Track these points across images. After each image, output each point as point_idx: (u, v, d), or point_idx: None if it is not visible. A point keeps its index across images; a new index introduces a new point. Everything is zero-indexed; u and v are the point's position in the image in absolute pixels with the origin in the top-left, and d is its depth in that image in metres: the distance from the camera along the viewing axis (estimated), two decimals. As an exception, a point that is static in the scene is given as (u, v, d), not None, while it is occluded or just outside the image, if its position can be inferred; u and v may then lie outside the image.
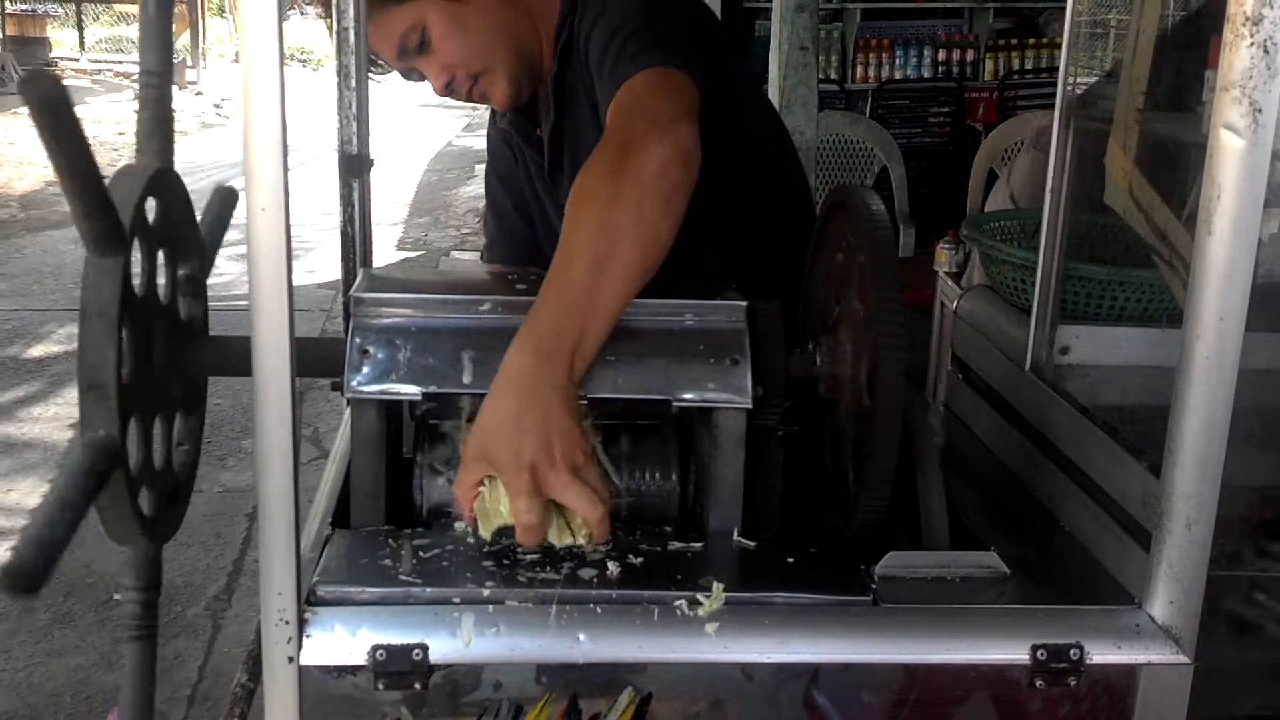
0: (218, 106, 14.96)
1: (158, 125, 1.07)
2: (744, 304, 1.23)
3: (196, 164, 10.10)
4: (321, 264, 6.25)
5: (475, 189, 9.68)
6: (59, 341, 5.68)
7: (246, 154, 0.91)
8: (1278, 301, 1.21)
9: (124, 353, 0.98)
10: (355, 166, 1.69)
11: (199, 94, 15.53)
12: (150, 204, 1.06)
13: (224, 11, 20.98)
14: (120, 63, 17.66)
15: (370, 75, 1.66)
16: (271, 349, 0.95)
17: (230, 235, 1.26)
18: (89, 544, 3.63)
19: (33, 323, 5.98)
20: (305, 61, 19.22)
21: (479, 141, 13.67)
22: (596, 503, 1.09)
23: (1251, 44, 0.96)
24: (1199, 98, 1.07)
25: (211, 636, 3.18)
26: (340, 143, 1.67)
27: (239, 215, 1.24)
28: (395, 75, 1.65)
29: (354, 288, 1.23)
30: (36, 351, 5.55)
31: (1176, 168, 1.22)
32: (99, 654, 3.05)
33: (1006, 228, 1.63)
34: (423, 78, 1.60)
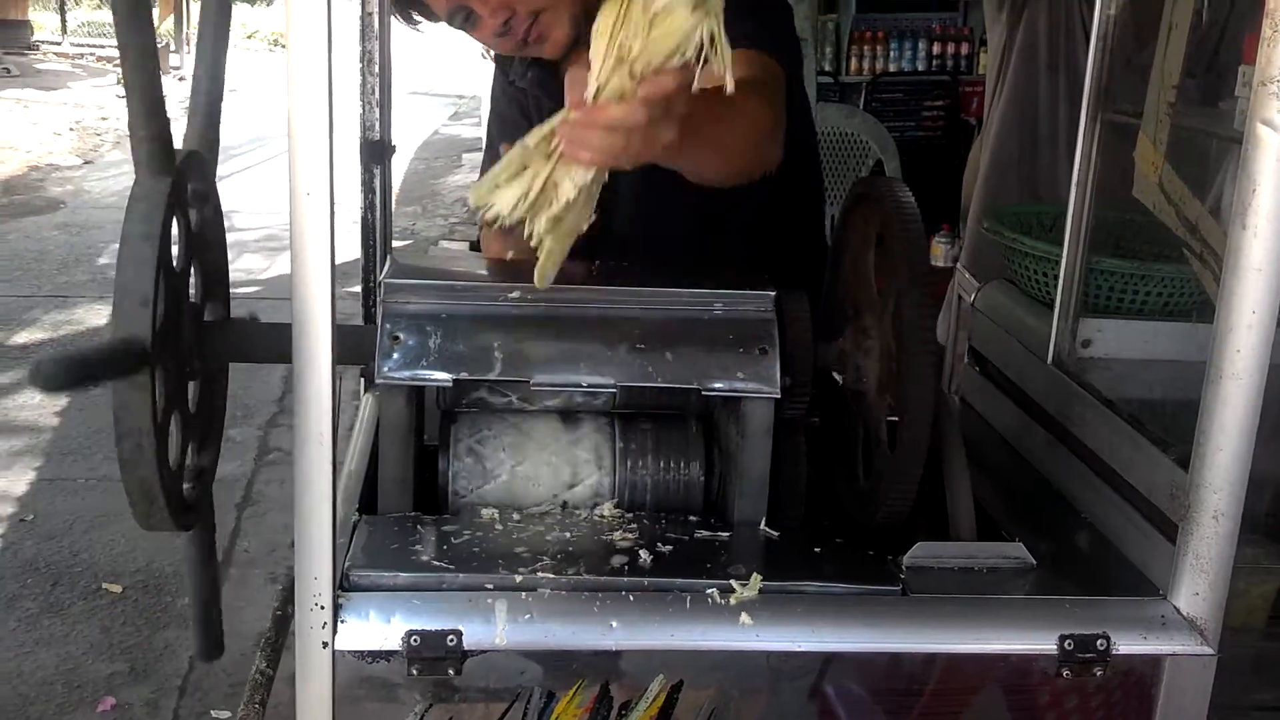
0: (201, 92, 14.83)
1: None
2: (772, 294, 1.23)
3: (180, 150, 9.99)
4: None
5: (463, 178, 9.62)
6: (43, 328, 5.62)
7: (290, 139, 0.90)
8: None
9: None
10: (377, 153, 1.68)
11: (181, 79, 15.39)
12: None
13: (207, -4, 20.76)
14: (103, 46, 17.45)
15: (414, 27, 1.53)
16: (313, 336, 0.94)
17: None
18: (76, 534, 3.61)
19: (16, 309, 5.91)
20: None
21: (466, 130, 13.57)
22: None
23: (1291, 40, 0.96)
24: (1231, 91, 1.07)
25: (204, 625, 3.16)
26: (362, 129, 1.66)
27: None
28: (431, 28, 1.51)
29: (384, 274, 1.22)
30: (21, 338, 5.48)
31: (1204, 161, 1.23)
32: (89, 643, 3.02)
33: (1026, 220, 1.64)
34: (468, 20, 1.45)
